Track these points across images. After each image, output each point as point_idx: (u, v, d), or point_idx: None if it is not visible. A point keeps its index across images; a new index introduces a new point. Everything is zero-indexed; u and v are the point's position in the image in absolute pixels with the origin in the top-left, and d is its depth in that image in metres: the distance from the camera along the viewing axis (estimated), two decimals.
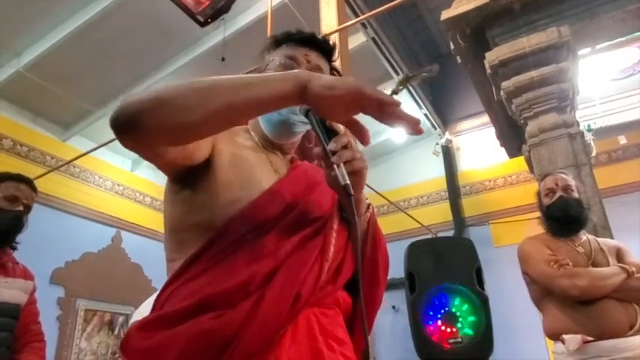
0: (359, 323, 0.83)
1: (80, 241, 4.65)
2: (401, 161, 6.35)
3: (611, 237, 2.25)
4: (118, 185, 5.31)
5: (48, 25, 4.01)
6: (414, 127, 0.64)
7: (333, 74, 0.96)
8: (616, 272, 1.67)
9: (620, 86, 4.88)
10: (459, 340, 2.56)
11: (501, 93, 2.94)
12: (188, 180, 0.80)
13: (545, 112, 2.77)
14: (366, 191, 0.84)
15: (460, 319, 2.60)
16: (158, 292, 0.78)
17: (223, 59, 3.43)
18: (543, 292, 1.80)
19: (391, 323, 5.19)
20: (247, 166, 0.83)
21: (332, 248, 0.76)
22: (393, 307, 5.22)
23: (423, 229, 5.45)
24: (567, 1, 2.80)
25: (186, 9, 2.90)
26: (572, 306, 1.69)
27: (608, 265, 1.74)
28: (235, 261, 0.73)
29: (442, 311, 2.64)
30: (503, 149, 4.29)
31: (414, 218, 5.39)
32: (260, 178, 0.82)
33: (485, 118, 4.71)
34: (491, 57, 2.87)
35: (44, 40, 4.09)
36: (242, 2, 3.94)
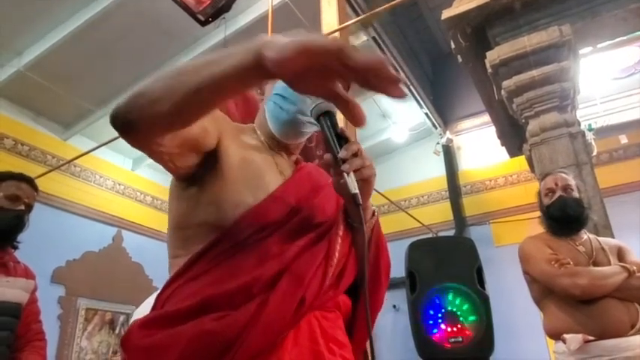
0: (358, 326, 0.83)
1: (81, 241, 4.66)
2: (401, 160, 6.34)
3: (612, 236, 2.25)
4: (119, 184, 5.32)
5: (48, 24, 4.01)
6: (395, 88, 0.54)
7: None
8: (617, 271, 1.67)
9: (621, 85, 4.87)
10: (460, 339, 2.56)
11: (502, 92, 2.94)
12: (196, 177, 0.80)
13: (546, 112, 2.76)
14: None
15: (461, 319, 2.60)
16: (160, 290, 0.79)
17: None
18: (544, 292, 1.80)
19: (392, 323, 5.19)
20: (256, 168, 0.83)
21: (337, 254, 0.76)
22: (394, 306, 5.21)
23: (423, 228, 5.44)
24: (568, 0, 2.79)
25: (186, 8, 2.89)
26: (573, 305, 1.69)
27: (609, 264, 1.74)
28: (239, 262, 0.73)
29: (443, 311, 2.64)
30: (504, 148, 4.28)
31: (414, 218, 5.38)
32: (268, 181, 0.82)
33: (486, 118, 4.71)
34: (492, 56, 2.87)
35: (45, 40, 4.09)
36: (243, 1, 3.94)
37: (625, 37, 3.22)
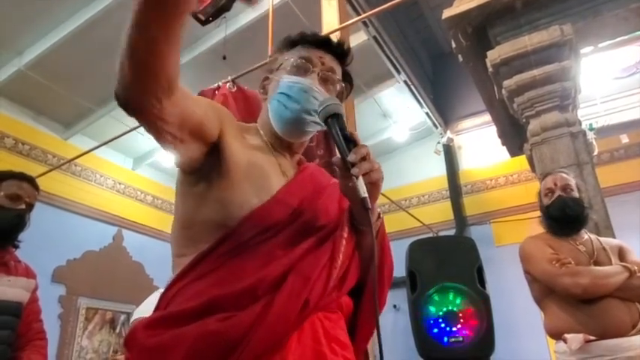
0: (360, 327, 0.84)
1: (82, 240, 4.66)
2: (402, 160, 6.34)
3: (614, 236, 2.25)
4: (120, 184, 5.32)
5: (49, 24, 4.01)
6: None
7: (346, 78, 0.96)
8: (618, 271, 1.67)
9: (622, 85, 4.86)
10: (460, 339, 2.56)
11: (503, 92, 2.93)
12: (202, 174, 0.80)
13: (547, 111, 2.76)
14: None
15: (461, 319, 2.60)
16: (164, 290, 0.79)
17: (225, 58, 3.43)
18: (545, 291, 1.80)
19: (392, 322, 5.19)
20: (260, 168, 0.83)
21: (341, 256, 0.77)
22: (394, 306, 5.22)
23: (424, 228, 5.44)
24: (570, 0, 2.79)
25: None
26: (574, 305, 1.69)
27: (610, 264, 1.74)
28: (243, 263, 0.73)
29: (443, 310, 2.64)
30: (504, 148, 4.27)
31: (415, 217, 5.38)
32: (271, 182, 0.83)
33: (487, 117, 4.70)
34: (493, 55, 2.86)
35: (45, 39, 4.09)
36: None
37: (626, 37, 3.22)
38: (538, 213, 2.00)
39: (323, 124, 0.78)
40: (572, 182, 1.93)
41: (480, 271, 2.68)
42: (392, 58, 4.76)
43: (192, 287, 0.73)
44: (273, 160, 0.87)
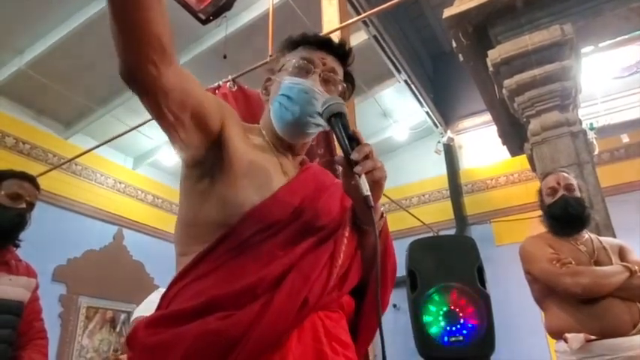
0: (362, 326, 0.84)
1: (82, 239, 4.67)
2: (403, 159, 6.34)
3: (614, 236, 2.25)
4: (120, 183, 5.32)
5: (50, 23, 4.01)
6: None
7: (348, 79, 0.97)
8: (619, 271, 1.67)
9: (622, 84, 4.86)
10: (461, 338, 2.56)
11: (503, 91, 2.93)
12: (204, 170, 0.80)
13: (548, 111, 2.75)
14: None
15: (461, 318, 2.60)
16: (165, 289, 0.79)
17: (225, 57, 3.43)
18: (545, 291, 1.80)
19: (392, 322, 5.18)
20: (261, 167, 0.83)
21: (342, 255, 0.77)
22: (394, 305, 5.22)
23: (424, 227, 5.44)
24: None
25: (187, 7, 2.89)
26: (575, 305, 1.69)
27: (610, 263, 1.74)
28: (244, 262, 0.73)
29: (443, 310, 2.64)
30: (505, 147, 4.27)
31: (415, 216, 5.38)
32: (272, 181, 0.83)
33: (487, 117, 4.70)
34: (494, 55, 2.86)
35: (46, 39, 4.09)
36: (244, 0, 3.94)
37: (627, 36, 3.21)
38: (539, 212, 2.00)
39: (325, 124, 0.79)
40: (574, 182, 1.93)
41: (480, 271, 2.67)
42: (392, 57, 4.76)
43: (194, 286, 0.73)
44: (274, 160, 0.88)
